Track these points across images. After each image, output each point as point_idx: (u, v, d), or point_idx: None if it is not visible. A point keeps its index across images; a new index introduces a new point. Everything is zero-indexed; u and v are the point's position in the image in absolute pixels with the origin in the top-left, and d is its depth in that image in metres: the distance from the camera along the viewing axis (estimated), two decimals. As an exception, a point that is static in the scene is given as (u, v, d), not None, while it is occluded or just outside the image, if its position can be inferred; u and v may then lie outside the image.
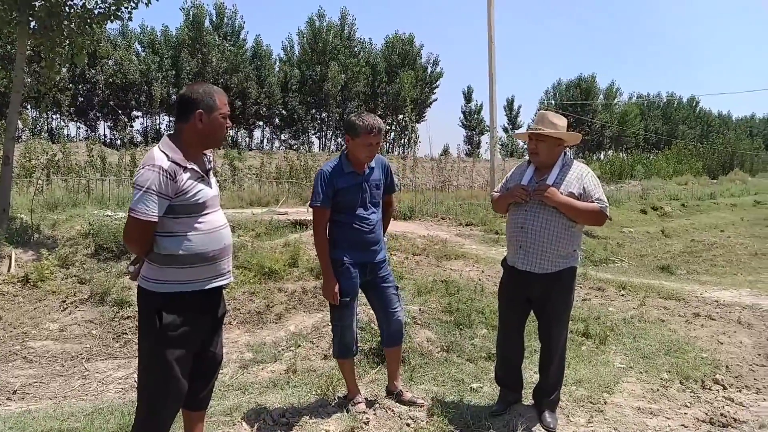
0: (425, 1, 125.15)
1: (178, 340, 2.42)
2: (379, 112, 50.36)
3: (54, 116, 43.28)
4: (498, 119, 16.84)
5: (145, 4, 8.71)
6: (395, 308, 3.47)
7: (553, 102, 60.36)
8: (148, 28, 45.88)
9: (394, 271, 4.52)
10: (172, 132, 2.54)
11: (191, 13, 45.53)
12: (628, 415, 3.58)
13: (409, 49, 54.95)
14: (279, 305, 6.01)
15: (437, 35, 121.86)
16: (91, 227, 7.41)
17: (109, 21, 8.61)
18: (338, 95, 49.83)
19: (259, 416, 3.40)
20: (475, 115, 64.07)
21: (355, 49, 53.41)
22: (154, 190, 2.31)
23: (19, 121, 8.95)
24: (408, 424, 3.30)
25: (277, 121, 51.78)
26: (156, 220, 2.34)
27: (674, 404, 3.80)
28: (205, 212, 2.47)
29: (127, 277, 4.69)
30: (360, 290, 3.44)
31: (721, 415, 3.56)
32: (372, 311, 3.73)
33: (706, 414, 3.61)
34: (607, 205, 3.23)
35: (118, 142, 40.17)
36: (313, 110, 51.89)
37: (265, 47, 49.70)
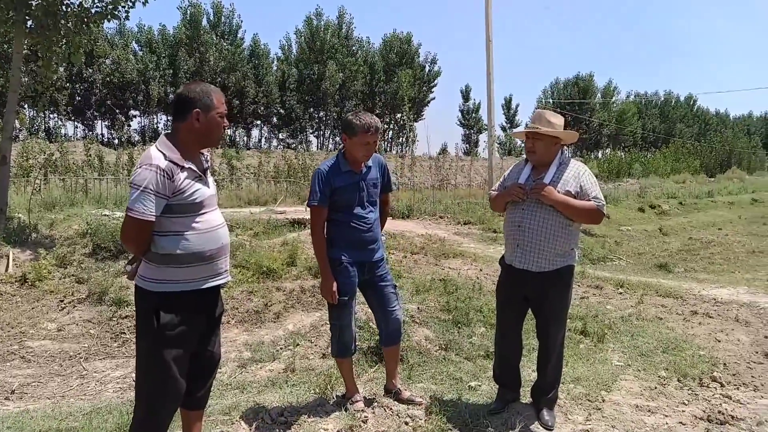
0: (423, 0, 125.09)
1: (176, 339, 2.42)
2: (377, 111, 50.31)
3: (51, 115, 43.14)
4: (496, 118, 16.85)
5: (143, 3, 8.70)
6: (393, 307, 3.47)
7: (550, 101, 60.35)
8: (145, 27, 45.75)
9: (392, 270, 4.53)
10: (169, 131, 2.54)
11: (188, 12, 45.40)
12: (626, 412, 3.59)
13: (407, 48, 54.88)
14: (277, 304, 6.00)
15: (435, 34, 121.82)
16: (89, 227, 7.40)
17: (106, 20, 8.59)
18: (336, 94, 49.77)
19: (258, 415, 3.40)
20: (473, 114, 64.05)
21: (353, 48, 53.33)
22: (151, 190, 2.30)
23: (16, 121, 8.93)
24: (406, 423, 3.30)
25: (274, 120, 51.68)
26: (153, 219, 2.33)
27: (672, 402, 3.81)
28: (202, 212, 2.47)
29: (125, 276, 4.70)
30: (358, 289, 3.45)
31: (719, 412, 3.58)
32: (370, 310, 3.73)
33: (704, 411, 3.62)
34: (604, 203, 3.24)
35: (116, 141, 40.08)
36: (311, 109, 51.80)
37: (262, 46, 49.60)
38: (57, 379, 4.59)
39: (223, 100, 2.54)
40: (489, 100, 16.18)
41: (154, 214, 2.32)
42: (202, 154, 2.59)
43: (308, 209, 3.36)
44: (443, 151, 41.48)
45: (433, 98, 58.10)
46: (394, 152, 47.60)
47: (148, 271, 2.43)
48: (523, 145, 3.56)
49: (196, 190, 2.44)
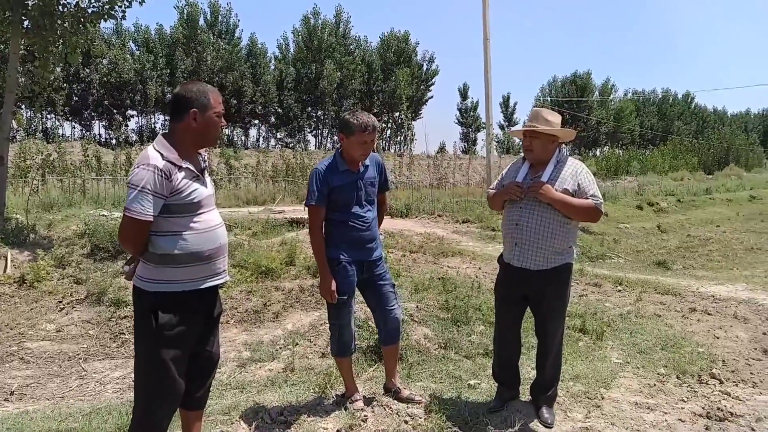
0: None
1: (174, 339, 2.42)
2: (375, 110, 50.25)
3: (48, 116, 43.01)
4: (494, 116, 16.89)
5: (139, 2, 8.67)
6: (392, 306, 3.47)
7: (548, 99, 60.30)
8: (142, 27, 45.61)
9: (391, 269, 4.53)
10: (166, 131, 2.54)
11: (185, 11, 45.27)
12: (626, 410, 3.60)
13: (405, 46, 54.80)
14: (276, 304, 6.00)
15: (433, 32, 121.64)
16: (87, 227, 7.39)
17: (102, 20, 8.57)
18: (334, 93, 49.70)
19: (258, 415, 3.40)
20: (471, 113, 63.99)
21: (351, 46, 53.25)
22: (149, 190, 2.30)
23: (13, 121, 8.92)
24: (406, 421, 3.30)
25: (272, 119, 51.60)
26: (151, 219, 2.33)
27: (671, 399, 3.82)
28: (200, 211, 2.47)
29: (123, 277, 4.69)
30: (357, 288, 3.45)
31: (718, 409, 3.58)
32: (369, 309, 3.73)
33: (703, 408, 3.63)
34: (602, 201, 3.24)
35: (114, 141, 39.99)
36: (309, 108, 51.71)
37: (260, 45, 49.49)
38: (56, 380, 4.58)
39: (220, 99, 2.53)
40: (487, 99, 16.17)
41: (152, 214, 2.32)
42: (200, 154, 2.59)
43: (306, 209, 3.36)
44: (441, 149, 41.52)
45: (431, 97, 58.08)
46: (392, 151, 47.57)
47: (146, 271, 2.43)
48: (521, 143, 3.56)
49: (194, 190, 2.44)
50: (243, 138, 52.04)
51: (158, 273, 2.41)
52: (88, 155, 16.20)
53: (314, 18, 50.80)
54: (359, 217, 3.33)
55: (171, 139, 2.45)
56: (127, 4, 8.54)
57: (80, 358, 5.03)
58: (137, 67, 42.40)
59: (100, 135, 44.89)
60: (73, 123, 45.15)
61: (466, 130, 64.01)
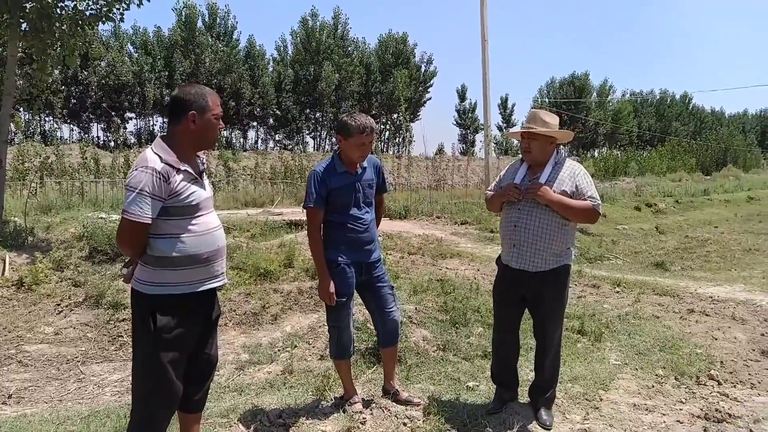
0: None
1: (173, 342, 2.41)
2: (374, 112, 50.27)
3: (47, 118, 42.96)
4: (492, 118, 16.90)
5: (137, 5, 8.67)
6: (391, 308, 3.47)
7: (546, 100, 60.35)
8: (140, 29, 45.59)
9: (389, 271, 4.53)
10: (165, 133, 2.54)
11: (183, 13, 45.28)
12: (624, 411, 3.60)
13: (403, 48, 54.84)
14: (275, 306, 6.00)
15: (431, 34, 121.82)
16: (86, 230, 7.38)
17: (101, 22, 8.57)
18: (332, 95, 49.70)
19: (256, 417, 3.40)
20: (470, 114, 64.01)
21: (349, 48, 53.26)
22: (147, 192, 2.30)
23: (11, 124, 8.90)
24: (404, 424, 3.30)
25: (271, 121, 51.59)
26: (150, 221, 2.33)
27: (669, 400, 3.82)
28: (198, 214, 2.47)
29: (121, 279, 4.68)
30: (355, 290, 3.45)
31: (716, 410, 3.59)
32: (367, 311, 3.73)
33: (701, 409, 3.63)
34: (600, 202, 3.25)
35: (112, 143, 39.94)
36: (308, 110, 51.70)
37: (258, 47, 49.50)
38: (54, 383, 4.58)
39: (218, 101, 2.54)
40: (485, 100, 16.20)
41: (150, 216, 2.32)
42: (198, 156, 2.59)
43: (305, 211, 3.36)
44: (440, 151, 41.57)
45: (430, 98, 58.23)
46: (390, 153, 47.62)
47: (144, 273, 2.43)
48: (519, 144, 3.56)
49: (192, 193, 2.44)
50: (241, 140, 52.04)
51: (156, 276, 2.40)
52: (86, 158, 16.18)
53: (312, 20, 50.83)
54: (357, 219, 3.33)
55: (169, 142, 2.45)
56: (125, 6, 8.53)
57: (78, 361, 5.02)
58: (135, 70, 42.38)
59: (98, 137, 44.87)
60: (72, 125, 45.11)
61: (464, 132, 64.04)
